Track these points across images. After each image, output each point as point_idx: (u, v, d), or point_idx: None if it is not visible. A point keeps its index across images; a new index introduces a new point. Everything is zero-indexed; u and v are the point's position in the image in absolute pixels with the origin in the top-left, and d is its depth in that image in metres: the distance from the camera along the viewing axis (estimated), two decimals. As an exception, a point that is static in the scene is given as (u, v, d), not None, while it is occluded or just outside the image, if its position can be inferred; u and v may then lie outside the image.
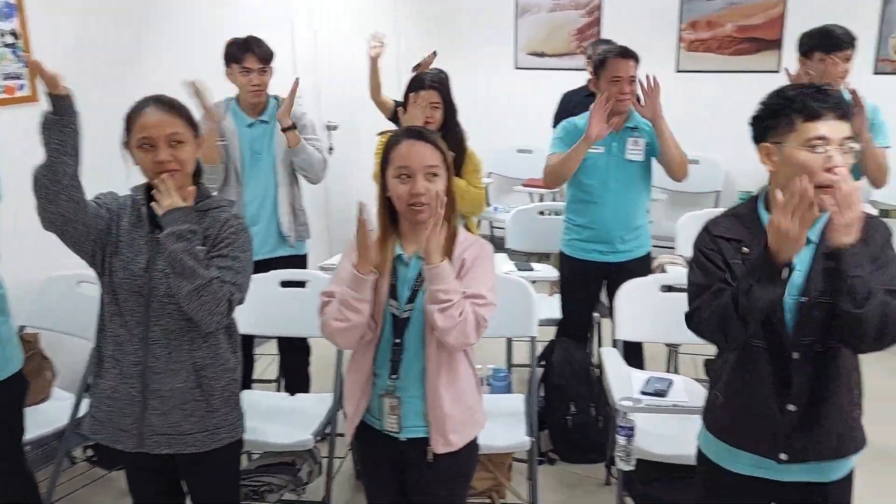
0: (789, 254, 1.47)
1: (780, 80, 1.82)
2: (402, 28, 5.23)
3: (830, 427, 1.63)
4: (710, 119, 4.69)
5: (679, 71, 5.08)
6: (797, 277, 1.60)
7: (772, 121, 1.58)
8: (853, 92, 2.81)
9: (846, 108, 1.55)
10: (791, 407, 1.62)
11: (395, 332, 1.84)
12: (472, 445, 1.95)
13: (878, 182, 3.00)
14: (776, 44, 4.76)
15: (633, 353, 2.93)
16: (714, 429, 1.76)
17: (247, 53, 2.97)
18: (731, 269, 1.62)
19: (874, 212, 4.34)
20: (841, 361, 1.62)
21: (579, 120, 3.04)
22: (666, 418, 2.43)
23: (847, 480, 1.71)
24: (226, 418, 1.95)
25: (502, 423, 2.56)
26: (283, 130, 2.98)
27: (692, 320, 1.63)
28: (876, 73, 4.50)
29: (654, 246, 3.26)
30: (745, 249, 1.62)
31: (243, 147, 3.03)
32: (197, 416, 1.90)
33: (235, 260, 1.86)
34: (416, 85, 2.91)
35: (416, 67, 3.66)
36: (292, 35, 4.42)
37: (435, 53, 3.77)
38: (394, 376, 1.85)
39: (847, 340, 1.56)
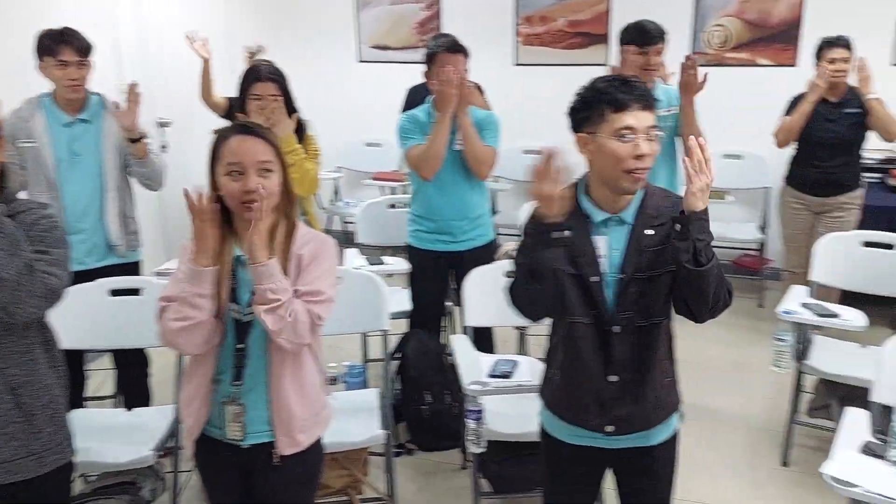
0: (552, 213, 1.58)
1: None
2: (235, 19, 5.04)
3: (648, 396, 1.75)
4: (548, 111, 4.85)
5: (517, 64, 5.26)
6: (615, 256, 1.70)
7: (585, 112, 1.67)
8: (688, 57, 3.01)
9: (650, 99, 1.67)
10: (613, 378, 1.72)
11: (238, 336, 1.78)
12: (319, 444, 1.93)
13: None
14: (603, 38, 5.04)
15: (483, 339, 3.02)
16: (549, 404, 1.85)
17: (62, 45, 2.74)
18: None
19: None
20: (658, 334, 1.74)
21: (419, 112, 3.07)
22: (513, 398, 2.51)
23: (671, 442, 1.84)
24: (52, 440, 1.80)
25: (356, 419, 2.56)
26: (131, 142, 2.80)
27: (509, 299, 1.73)
28: (691, 66, 4.88)
29: (502, 234, 3.35)
30: (566, 233, 1.71)
31: (59, 148, 2.79)
32: (19, 441, 1.74)
33: (47, 253, 1.68)
34: (251, 77, 2.83)
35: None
36: (116, 27, 4.13)
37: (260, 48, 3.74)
38: (237, 382, 1.79)
39: (689, 305, 1.65)
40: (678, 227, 1.57)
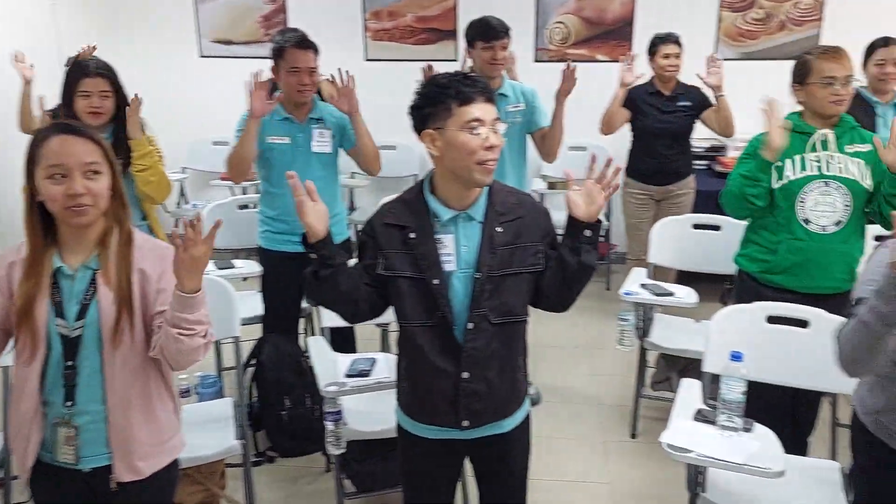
0: (314, 232, 1.72)
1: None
2: (63, 11, 4.66)
3: (503, 391, 1.79)
4: (402, 106, 4.86)
5: (368, 60, 5.23)
6: (466, 253, 1.73)
7: (430, 108, 1.68)
8: (567, 65, 3.09)
9: (492, 93, 1.71)
10: (465, 374, 1.74)
11: (66, 353, 1.64)
12: (168, 472, 1.80)
13: (553, 157, 3.34)
14: (452, 34, 5.12)
15: (344, 339, 2.98)
16: (404, 409, 1.86)
17: None
18: (385, 258, 1.72)
19: (543, 185, 4.92)
20: (515, 331, 1.79)
21: (262, 110, 2.97)
22: (372, 396, 2.50)
23: (524, 424, 1.89)
24: None
25: (209, 431, 2.46)
26: None
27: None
28: (536, 62, 5.06)
29: (360, 231, 3.31)
30: (411, 235, 1.72)
31: None
32: None
33: None
34: (78, 73, 2.63)
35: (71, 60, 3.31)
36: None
37: (94, 48, 3.42)
38: (69, 403, 1.65)
39: (564, 298, 1.79)
40: (589, 233, 1.71)
